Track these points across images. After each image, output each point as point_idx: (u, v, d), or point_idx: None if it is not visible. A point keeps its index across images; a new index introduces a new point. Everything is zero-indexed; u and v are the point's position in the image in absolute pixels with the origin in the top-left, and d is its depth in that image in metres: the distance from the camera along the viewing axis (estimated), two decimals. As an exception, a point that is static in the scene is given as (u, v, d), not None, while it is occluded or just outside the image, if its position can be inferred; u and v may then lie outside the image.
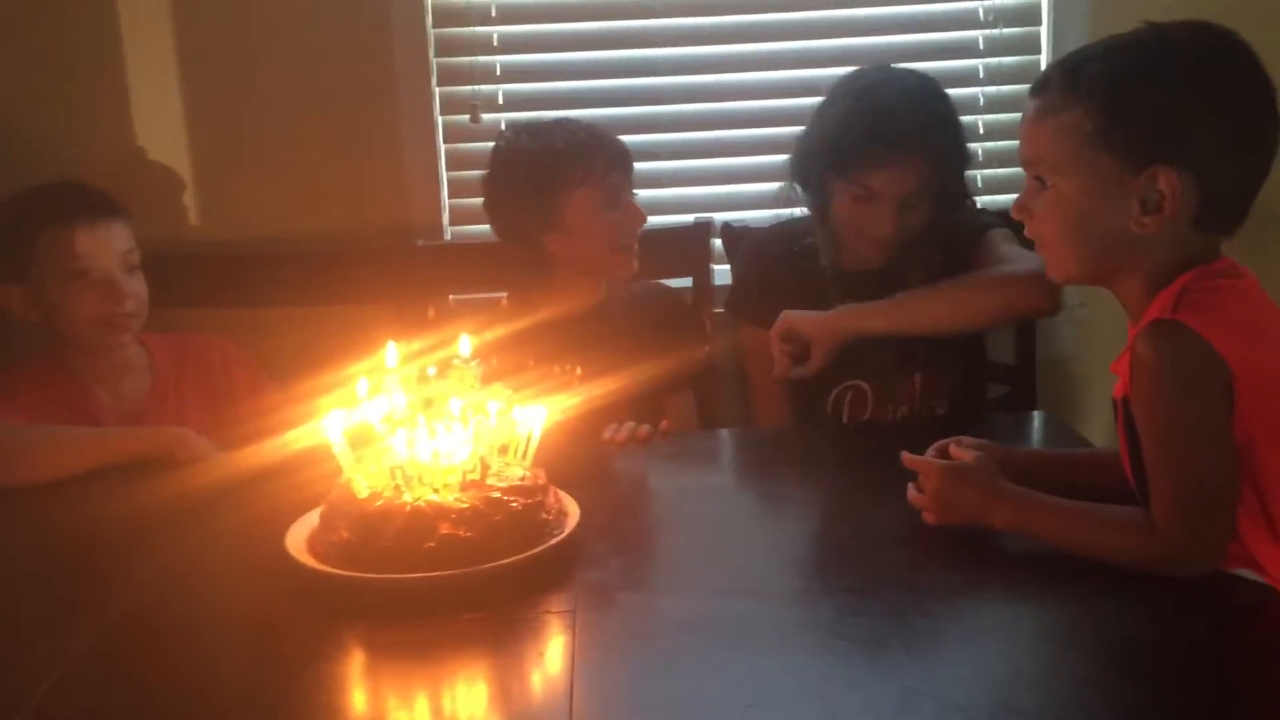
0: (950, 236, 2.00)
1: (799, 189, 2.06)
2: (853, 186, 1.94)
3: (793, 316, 1.92)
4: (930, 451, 1.49)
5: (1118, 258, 1.33)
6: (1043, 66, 2.45)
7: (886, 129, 1.89)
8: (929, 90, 1.97)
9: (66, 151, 2.28)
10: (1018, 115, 2.38)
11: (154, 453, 1.74)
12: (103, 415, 1.94)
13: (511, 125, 2.15)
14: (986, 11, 2.44)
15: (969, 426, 1.58)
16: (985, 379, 2.22)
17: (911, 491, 1.44)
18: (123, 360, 2.00)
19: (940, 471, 1.41)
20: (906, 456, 1.47)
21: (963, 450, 1.46)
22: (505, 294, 2.21)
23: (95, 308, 1.91)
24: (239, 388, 1.97)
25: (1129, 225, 1.29)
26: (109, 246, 1.92)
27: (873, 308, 1.91)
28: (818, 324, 1.91)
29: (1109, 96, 1.29)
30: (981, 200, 2.37)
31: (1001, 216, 1.99)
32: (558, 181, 1.99)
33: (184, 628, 1.31)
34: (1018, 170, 2.39)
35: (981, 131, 2.45)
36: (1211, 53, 1.29)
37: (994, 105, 2.46)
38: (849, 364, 2.02)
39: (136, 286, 1.95)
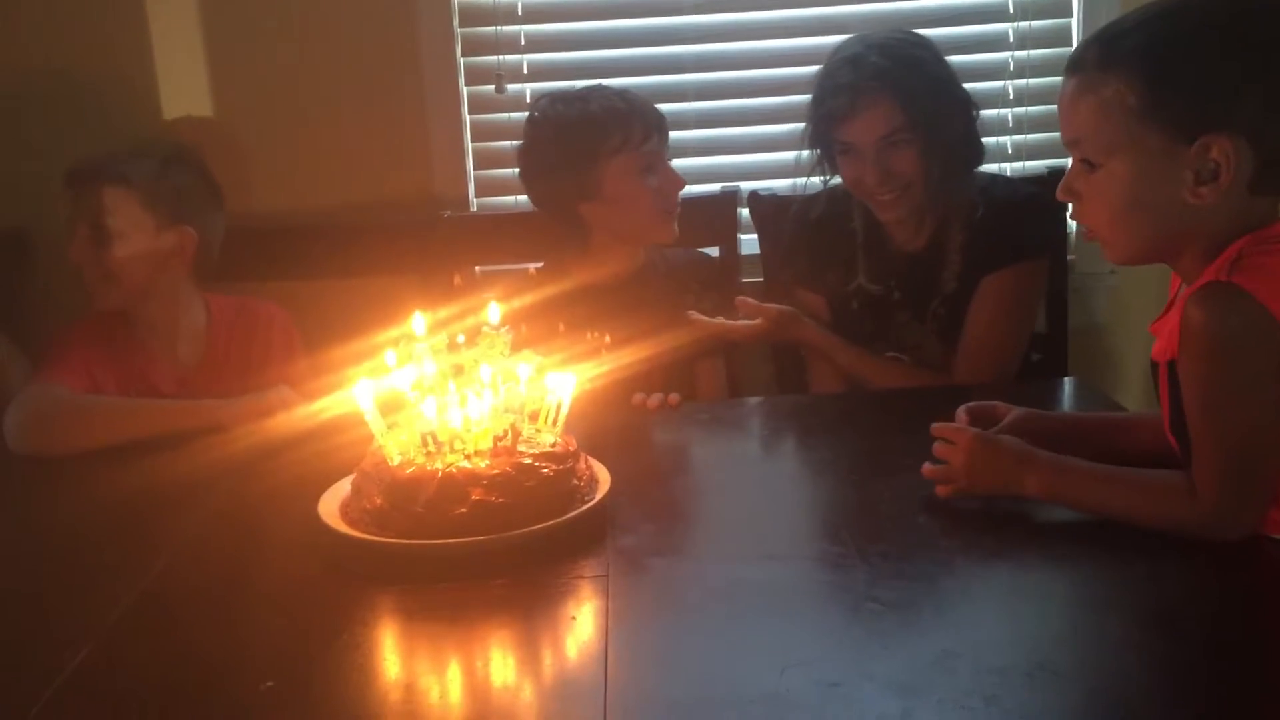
0: (987, 223, 1.99)
1: (825, 162, 2.07)
2: (837, 146, 1.98)
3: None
4: (960, 413, 1.48)
5: (1175, 233, 1.29)
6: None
7: (847, 80, 1.92)
8: (898, 39, 1.98)
9: (93, 126, 2.29)
10: (1047, 107, 2.40)
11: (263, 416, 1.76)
12: (157, 374, 1.96)
13: (544, 94, 2.13)
14: (1017, 4, 2.41)
15: (1001, 393, 1.57)
16: (1028, 352, 2.21)
17: (927, 465, 1.42)
18: (182, 322, 2.01)
19: (972, 438, 1.39)
20: (935, 426, 1.44)
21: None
22: (532, 265, 2.21)
23: (74, 272, 1.93)
24: (274, 354, 1.98)
25: (1184, 198, 1.25)
26: (77, 214, 1.92)
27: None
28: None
29: (1150, 68, 1.24)
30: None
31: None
32: (595, 150, 1.98)
33: (219, 593, 1.32)
34: (1047, 162, 2.39)
35: (1011, 125, 2.43)
36: (1247, 11, 1.25)
37: (1023, 99, 2.44)
38: (890, 334, 2.02)
39: (108, 254, 1.91)
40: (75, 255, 1.91)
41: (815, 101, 2.00)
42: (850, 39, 2.01)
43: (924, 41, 2.00)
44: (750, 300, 1.99)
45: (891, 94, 1.91)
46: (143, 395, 1.92)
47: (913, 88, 1.92)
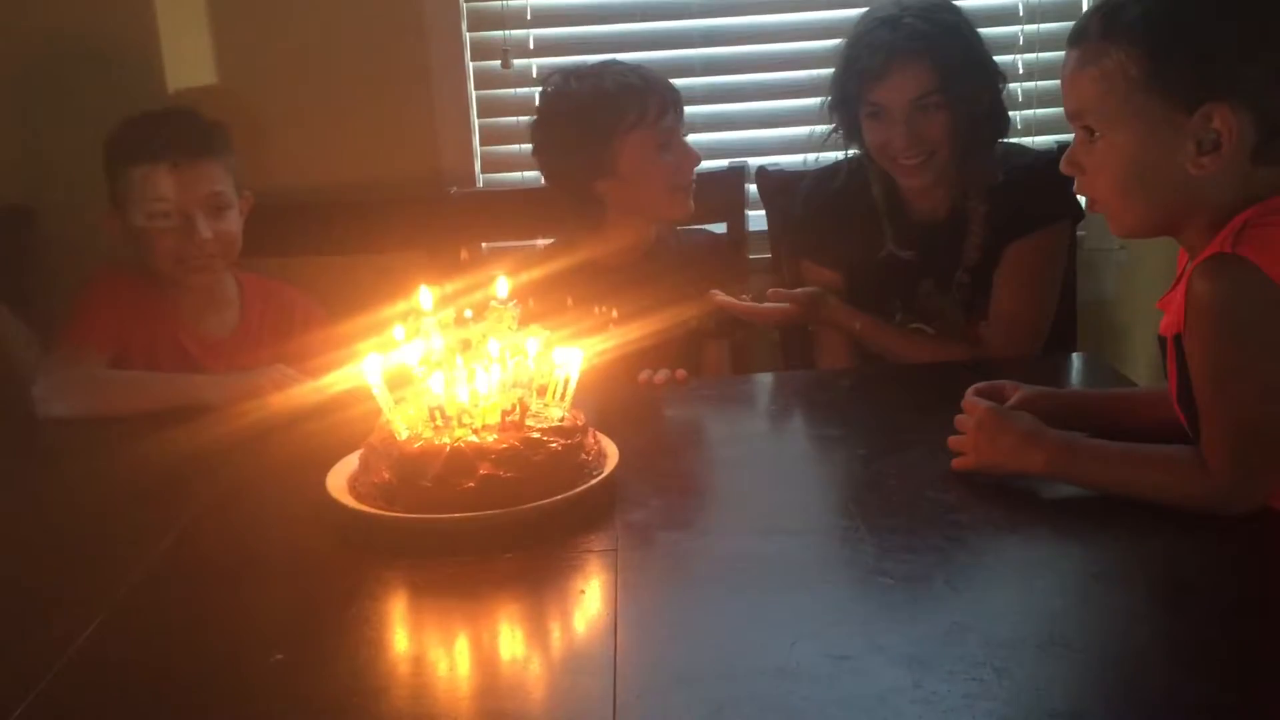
0: (1009, 191, 1.97)
1: (841, 132, 2.05)
2: (865, 108, 1.96)
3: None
4: (970, 394, 1.47)
5: (1179, 204, 1.29)
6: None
7: (883, 40, 1.91)
8: (934, 4, 1.96)
9: (96, 103, 2.28)
10: (1057, 82, 2.34)
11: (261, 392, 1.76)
12: (185, 338, 1.97)
13: (557, 70, 2.11)
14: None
15: (1016, 368, 1.56)
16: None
17: (953, 437, 1.42)
18: (215, 292, 2.02)
19: (984, 412, 1.39)
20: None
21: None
22: (538, 241, 2.20)
23: (172, 247, 1.91)
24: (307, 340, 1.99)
25: (1187, 168, 1.25)
26: (193, 188, 1.91)
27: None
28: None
29: (1151, 37, 1.25)
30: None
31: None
32: (610, 126, 1.96)
33: (228, 566, 1.32)
34: (1056, 137, 2.37)
35: (1020, 99, 2.41)
36: None
37: (1033, 73, 2.41)
38: (912, 306, 2.01)
39: (222, 226, 1.94)
40: (207, 231, 1.90)
41: (846, 61, 1.98)
42: (884, 2, 1.99)
43: (957, 9, 2.00)
44: (782, 290, 1.98)
45: (927, 56, 1.90)
46: (172, 356, 1.94)
47: (947, 53, 1.91)
